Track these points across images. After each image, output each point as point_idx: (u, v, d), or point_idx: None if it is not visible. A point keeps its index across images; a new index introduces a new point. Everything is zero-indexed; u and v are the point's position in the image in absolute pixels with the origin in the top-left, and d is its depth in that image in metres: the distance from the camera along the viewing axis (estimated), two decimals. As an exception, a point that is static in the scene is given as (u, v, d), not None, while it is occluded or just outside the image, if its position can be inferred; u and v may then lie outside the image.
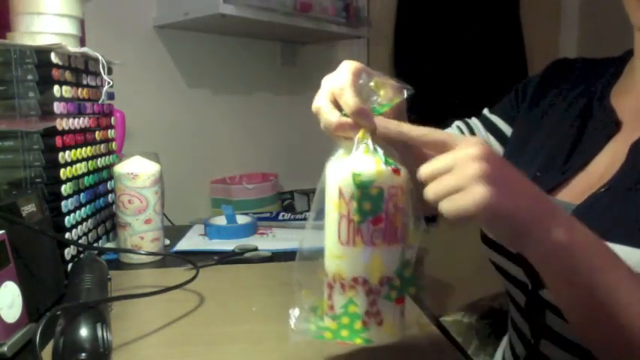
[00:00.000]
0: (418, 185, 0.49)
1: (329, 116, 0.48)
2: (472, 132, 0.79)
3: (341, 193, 0.47)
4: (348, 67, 0.49)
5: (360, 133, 0.48)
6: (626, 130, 0.58)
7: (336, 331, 0.48)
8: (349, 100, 0.47)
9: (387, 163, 0.47)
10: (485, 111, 0.80)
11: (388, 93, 0.50)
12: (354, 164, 0.46)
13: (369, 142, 0.48)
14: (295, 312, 0.51)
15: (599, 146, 0.59)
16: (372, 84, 0.50)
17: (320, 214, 0.49)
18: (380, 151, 0.48)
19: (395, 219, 0.47)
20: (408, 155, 0.53)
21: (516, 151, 0.71)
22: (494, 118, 0.78)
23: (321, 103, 0.49)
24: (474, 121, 0.80)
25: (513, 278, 0.61)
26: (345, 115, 0.48)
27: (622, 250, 0.47)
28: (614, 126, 0.59)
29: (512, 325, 0.67)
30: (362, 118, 0.47)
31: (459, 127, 0.80)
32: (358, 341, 0.48)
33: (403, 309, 0.50)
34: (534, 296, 0.57)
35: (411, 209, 0.48)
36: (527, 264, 0.58)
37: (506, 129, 0.76)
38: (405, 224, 0.48)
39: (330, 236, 0.48)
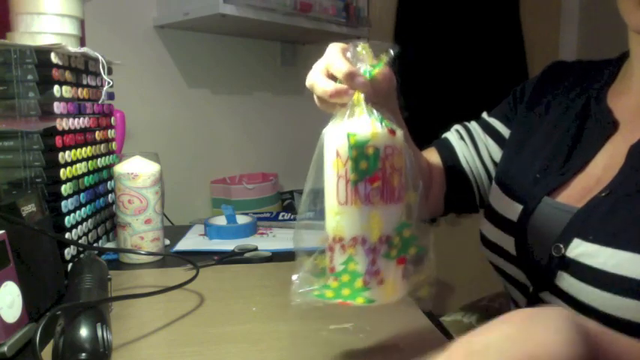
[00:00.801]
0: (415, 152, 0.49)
1: (324, 85, 0.50)
2: (471, 136, 0.79)
3: (338, 154, 0.47)
4: (335, 45, 0.52)
5: (355, 96, 0.49)
6: (623, 131, 0.58)
7: (338, 289, 0.48)
8: (341, 66, 0.48)
9: (382, 123, 0.48)
10: (484, 114, 0.80)
11: (375, 55, 0.52)
12: (350, 125, 0.47)
13: (364, 104, 0.49)
14: (297, 276, 0.50)
15: (597, 147, 0.59)
16: (358, 49, 0.52)
17: (318, 179, 0.50)
18: (375, 112, 0.49)
19: (392, 178, 0.47)
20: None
21: (514, 153, 0.70)
22: (493, 121, 0.78)
23: (314, 77, 0.51)
24: (473, 125, 0.80)
25: (514, 280, 0.61)
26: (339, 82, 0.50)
27: (627, 257, 0.47)
28: (611, 126, 0.59)
29: None
30: (355, 80, 0.48)
31: (458, 132, 0.80)
32: (360, 300, 0.47)
33: (404, 271, 0.49)
34: (535, 298, 0.57)
35: (409, 171, 0.49)
36: (527, 266, 0.58)
37: (505, 131, 0.76)
38: (403, 184, 0.48)
39: (329, 198, 0.48)
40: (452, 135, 0.81)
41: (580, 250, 0.52)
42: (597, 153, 0.59)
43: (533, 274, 0.58)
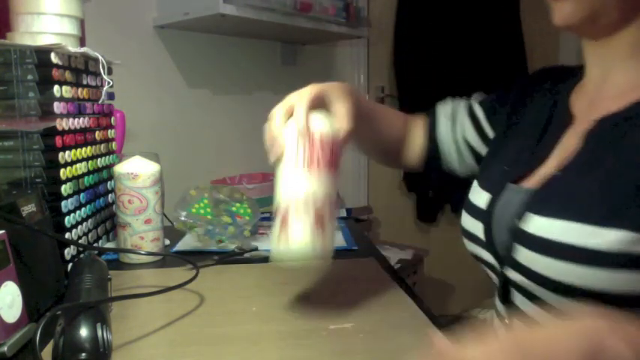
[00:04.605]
0: None
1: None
2: (454, 116, 0.83)
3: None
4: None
5: None
6: (577, 124, 0.63)
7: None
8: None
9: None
10: (475, 100, 0.83)
11: None
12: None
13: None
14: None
15: (556, 139, 0.64)
16: None
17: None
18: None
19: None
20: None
21: (492, 154, 0.75)
22: (478, 110, 0.81)
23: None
24: (462, 105, 0.84)
25: (486, 263, 0.66)
26: None
27: (574, 227, 0.52)
28: (567, 119, 0.64)
29: (497, 313, 0.69)
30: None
31: (447, 109, 0.84)
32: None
33: None
34: (503, 276, 0.61)
35: None
36: (493, 247, 0.63)
37: (485, 122, 0.80)
38: None
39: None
40: (442, 108, 0.86)
41: (533, 223, 0.56)
42: (556, 145, 0.64)
43: (497, 253, 0.63)
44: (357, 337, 0.58)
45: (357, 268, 0.84)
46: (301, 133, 0.61)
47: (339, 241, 0.99)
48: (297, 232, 0.58)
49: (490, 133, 0.80)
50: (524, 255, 0.57)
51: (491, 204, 0.65)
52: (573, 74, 0.71)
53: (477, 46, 2.23)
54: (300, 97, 0.65)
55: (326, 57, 2.08)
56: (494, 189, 0.66)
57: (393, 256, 1.99)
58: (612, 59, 0.61)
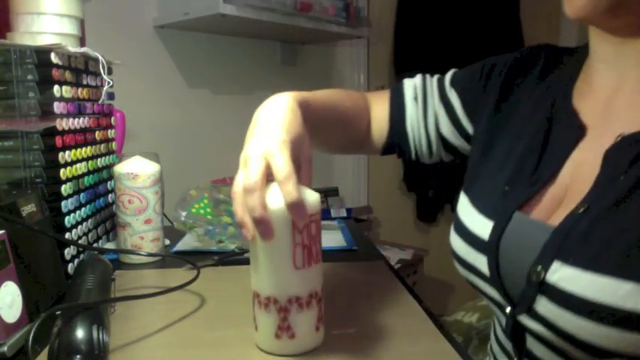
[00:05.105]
0: None
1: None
2: (425, 100, 0.75)
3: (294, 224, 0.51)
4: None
5: None
6: (591, 136, 0.55)
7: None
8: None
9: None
10: (447, 80, 0.75)
11: None
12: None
13: None
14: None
15: (565, 154, 0.56)
16: None
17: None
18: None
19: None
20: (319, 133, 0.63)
21: (481, 156, 0.66)
22: (451, 94, 0.73)
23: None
24: (433, 87, 0.76)
25: (490, 298, 0.59)
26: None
27: (607, 283, 0.45)
28: (579, 131, 0.56)
29: (495, 337, 0.65)
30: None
31: (415, 89, 0.76)
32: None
33: None
34: (514, 320, 0.54)
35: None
36: (503, 287, 0.55)
37: (459, 108, 0.72)
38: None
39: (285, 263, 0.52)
40: (409, 89, 0.76)
41: (559, 274, 0.48)
42: (566, 161, 0.55)
43: (509, 296, 0.55)
44: (360, 343, 0.57)
45: (364, 271, 0.83)
46: (297, 227, 0.50)
47: (339, 241, 0.98)
48: (303, 331, 0.54)
49: (469, 127, 0.71)
50: (547, 307, 0.49)
51: (496, 235, 0.56)
52: (562, 59, 0.64)
53: (476, 45, 2.23)
54: (280, 159, 0.53)
55: (326, 57, 2.08)
56: (497, 216, 0.57)
57: (393, 256, 1.99)
58: (631, 61, 0.53)
